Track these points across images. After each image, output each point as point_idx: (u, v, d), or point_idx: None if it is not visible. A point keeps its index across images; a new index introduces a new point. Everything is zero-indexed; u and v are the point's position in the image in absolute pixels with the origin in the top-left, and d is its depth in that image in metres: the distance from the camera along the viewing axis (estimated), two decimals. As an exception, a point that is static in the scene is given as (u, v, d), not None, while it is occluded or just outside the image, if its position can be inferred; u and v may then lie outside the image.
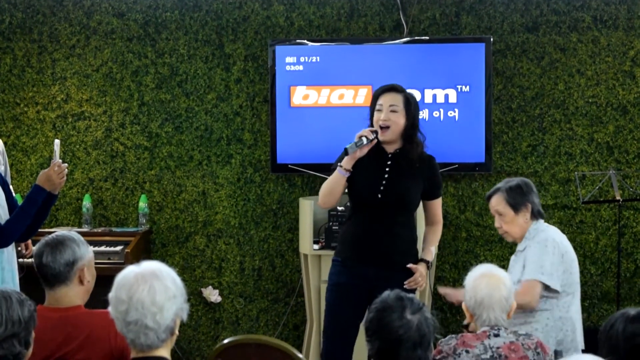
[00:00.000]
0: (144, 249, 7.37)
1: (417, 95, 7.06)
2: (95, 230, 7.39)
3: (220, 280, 7.62)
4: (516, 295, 4.39)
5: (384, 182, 5.28)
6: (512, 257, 5.22)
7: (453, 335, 4.12)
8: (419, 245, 5.49)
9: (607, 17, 7.20)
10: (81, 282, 3.94)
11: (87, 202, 7.47)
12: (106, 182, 7.68)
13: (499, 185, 5.15)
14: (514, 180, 5.12)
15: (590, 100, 7.24)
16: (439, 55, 7.16)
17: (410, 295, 3.54)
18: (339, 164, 5.28)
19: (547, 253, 4.93)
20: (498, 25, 7.31)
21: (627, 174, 7.17)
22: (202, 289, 7.59)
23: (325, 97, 7.19)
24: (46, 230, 7.09)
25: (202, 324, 7.66)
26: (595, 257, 7.28)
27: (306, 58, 7.22)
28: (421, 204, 5.49)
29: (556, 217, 7.29)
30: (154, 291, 3.07)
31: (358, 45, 7.24)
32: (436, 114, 7.12)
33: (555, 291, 4.91)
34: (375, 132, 5.25)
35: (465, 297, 4.19)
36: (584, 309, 7.18)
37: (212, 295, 7.57)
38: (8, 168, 6.56)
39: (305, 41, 7.27)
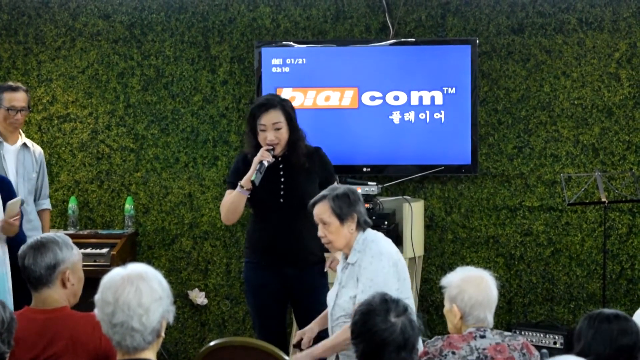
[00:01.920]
0: (130, 251, 7.36)
1: (403, 97, 7.10)
2: (81, 232, 7.36)
3: (207, 283, 7.61)
4: None
5: (282, 185, 5.53)
6: (339, 268, 4.96)
7: (439, 337, 4.13)
8: None
9: (592, 19, 7.22)
10: (64, 285, 3.92)
11: (72, 204, 7.45)
12: (92, 184, 7.67)
13: (324, 192, 4.86)
14: (341, 189, 4.83)
15: (575, 102, 7.25)
16: (425, 57, 7.16)
17: (396, 297, 3.56)
18: (240, 183, 5.45)
19: (382, 267, 4.70)
20: (484, 27, 7.32)
21: (613, 176, 7.18)
22: (188, 292, 7.58)
23: (312, 99, 7.19)
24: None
25: (188, 327, 7.65)
26: (581, 258, 7.29)
27: (292, 60, 7.21)
28: None
29: (542, 218, 7.31)
30: (140, 293, 3.06)
31: (344, 47, 7.24)
32: (422, 116, 7.12)
33: None
34: (271, 149, 5.45)
35: (456, 300, 4.18)
36: (570, 311, 7.20)
37: (198, 297, 7.56)
38: (46, 177, 6.64)
39: (291, 43, 7.27)
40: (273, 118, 5.48)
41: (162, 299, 3.10)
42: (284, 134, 5.50)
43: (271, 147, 5.45)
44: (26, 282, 3.94)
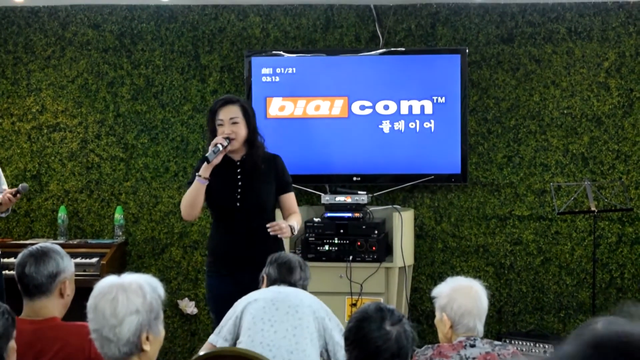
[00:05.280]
0: (119, 261, 7.35)
1: (392, 106, 7.10)
2: (71, 242, 7.35)
3: (197, 292, 7.60)
4: None
5: (239, 189, 5.52)
6: None
7: (429, 346, 4.13)
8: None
9: (581, 28, 7.24)
10: (61, 295, 3.92)
11: (62, 214, 7.44)
12: (82, 194, 7.65)
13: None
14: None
15: (565, 112, 7.27)
16: (415, 67, 7.18)
17: (391, 306, 3.55)
18: (197, 174, 5.47)
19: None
20: (473, 37, 7.34)
21: (602, 185, 7.20)
22: (178, 301, 7.57)
23: (302, 108, 7.19)
24: (21, 242, 7.07)
25: (178, 336, 7.64)
26: (571, 267, 7.30)
27: (282, 69, 7.22)
28: None
29: (532, 228, 7.32)
30: (116, 303, 3.04)
31: (334, 56, 7.25)
32: (412, 125, 7.13)
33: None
34: (228, 138, 5.45)
35: (446, 308, 4.18)
36: (560, 320, 7.21)
37: (188, 307, 7.55)
38: (1, 176, 6.50)
39: (281, 52, 7.27)
40: (230, 113, 5.51)
41: (139, 312, 3.07)
42: (241, 128, 5.50)
43: (227, 137, 5.45)
44: (23, 290, 3.92)
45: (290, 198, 5.68)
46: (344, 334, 3.53)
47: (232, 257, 5.52)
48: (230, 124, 5.48)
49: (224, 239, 5.56)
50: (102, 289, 3.08)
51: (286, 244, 6.89)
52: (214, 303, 5.62)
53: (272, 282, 4.80)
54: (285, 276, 4.80)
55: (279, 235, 5.44)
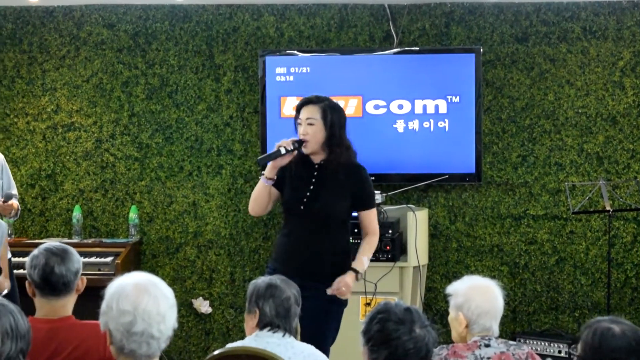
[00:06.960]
0: (134, 260, 7.36)
1: (407, 105, 7.09)
2: (86, 241, 7.37)
3: (211, 291, 7.61)
4: None
5: (308, 193, 5.27)
6: None
7: (444, 345, 4.12)
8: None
9: (596, 27, 7.22)
10: (77, 290, 3.96)
11: (77, 213, 7.46)
12: (96, 193, 7.67)
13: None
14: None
15: (580, 111, 7.25)
16: (429, 66, 7.17)
17: (415, 307, 3.52)
18: (262, 172, 5.34)
19: None
20: (488, 36, 7.32)
21: (617, 184, 7.18)
22: (192, 300, 7.57)
23: (316, 107, 7.18)
24: (36, 241, 7.08)
25: (193, 335, 7.64)
26: (586, 267, 7.29)
27: (296, 69, 7.22)
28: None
29: (546, 227, 7.30)
30: (158, 301, 3.08)
31: (348, 55, 7.25)
32: (426, 124, 7.12)
33: None
34: (299, 141, 5.25)
35: (462, 308, 4.17)
36: (575, 320, 7.19)
37: (203, 306, 7.55)
38: (10, 179, 6.54)
39: (296, 52, 7.27)
40: (308, 113, 5.28)
41: (174, 306, 3.13)
42: (316, 131, 5.25)
43: (298, 140, 5.25)
44: (49, 289, 3.89)
45: (367, 216, 5.38)
46: (365, 332, 3.46)
47: (289, 262, 5.27)
48: (307, 124, 5.26)
49: (285, 242, 5.35)
50: (133, 291, 3.08)
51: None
52: None
53: (265, 324, 4.30)
54: (281, 321, 4.27)
55: (337, 296, 5.14)
